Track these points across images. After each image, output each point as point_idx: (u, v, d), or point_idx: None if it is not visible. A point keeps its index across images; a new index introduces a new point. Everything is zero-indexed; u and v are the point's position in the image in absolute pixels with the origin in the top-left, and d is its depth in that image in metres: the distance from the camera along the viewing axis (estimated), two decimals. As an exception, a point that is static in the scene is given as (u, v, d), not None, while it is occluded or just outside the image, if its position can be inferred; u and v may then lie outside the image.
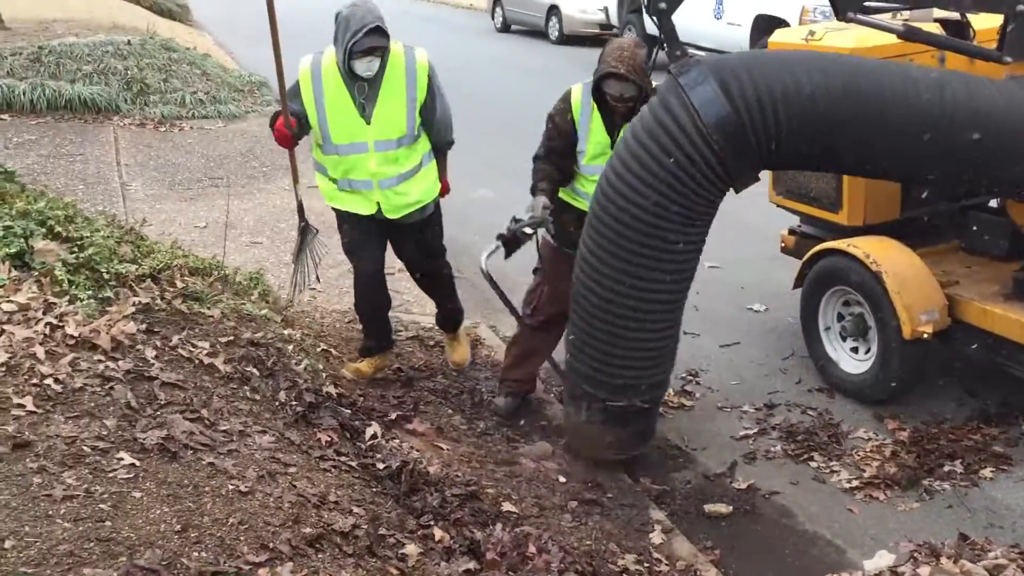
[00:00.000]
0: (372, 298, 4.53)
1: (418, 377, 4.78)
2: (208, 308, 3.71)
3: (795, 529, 3.93)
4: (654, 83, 3.96)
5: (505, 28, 20.25)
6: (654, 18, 3.85)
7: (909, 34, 4.11)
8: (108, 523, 2.38)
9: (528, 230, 3.97)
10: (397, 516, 3.09)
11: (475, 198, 7.74)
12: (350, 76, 4.11)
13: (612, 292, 3.75)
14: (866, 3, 4.31)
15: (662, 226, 3.64)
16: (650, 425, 4.26)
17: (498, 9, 20.45)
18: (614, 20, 16.35)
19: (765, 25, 12.39)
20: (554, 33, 18.17)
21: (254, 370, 3.48)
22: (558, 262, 4.27)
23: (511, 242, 4.00)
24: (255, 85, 11.77)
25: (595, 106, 4.05)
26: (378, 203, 4.30)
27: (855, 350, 4.84)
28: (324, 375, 3.98)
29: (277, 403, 3.41)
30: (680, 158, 3.55)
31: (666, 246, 3.68)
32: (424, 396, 4.54)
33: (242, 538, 2.47)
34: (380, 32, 4.03)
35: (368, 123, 4.17)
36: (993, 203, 4.87)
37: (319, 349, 4.52)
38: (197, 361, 3.31)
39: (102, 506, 2.43)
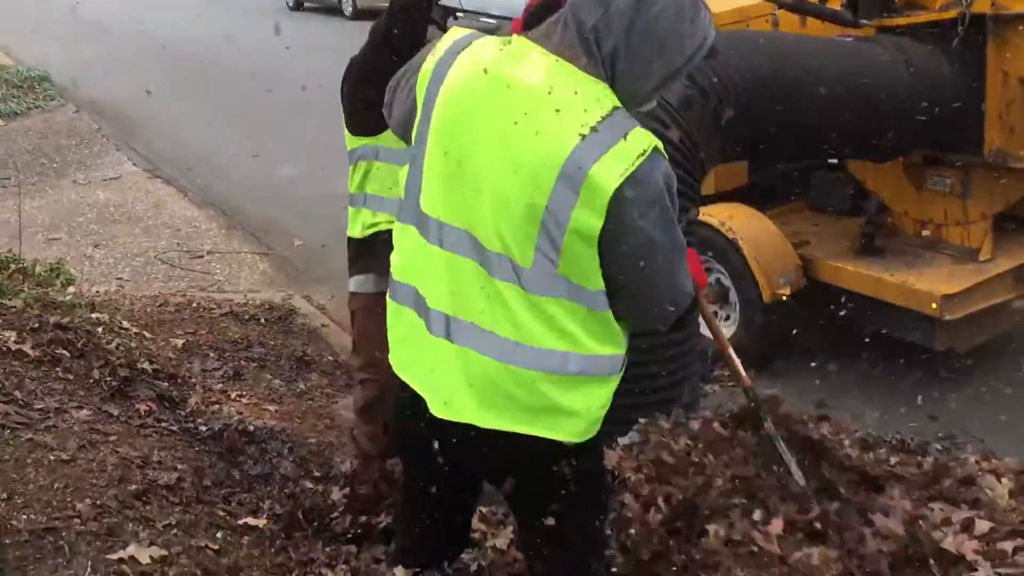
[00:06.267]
0: None
1: (234, 349, 4.91)
2: (9, 299, 3.74)
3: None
4: None
5: (298, 6, 20.04)
6: None
7: None
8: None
9: None
10: (222, 469, 3.28)
11: (278, 176, 7.89)
12: None
13: None
14: None
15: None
16: None
17: (289, -13, 20.22)
18: (406, -8, 16.45)
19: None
20: (348, 8, 18.15)
21: (64, 352, 3.55)
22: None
23: None
24: (35, 80, 11.29)
25: None
26: (432, 372, 1.94)
27: (724, 318, 4.76)
28: (137, 352, 4.07)
29: (91, 380, 3.50)
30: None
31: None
32: (243, 366, 4.69)
33: (70, 499, 2.62)
34: None
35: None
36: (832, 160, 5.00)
37: (132, 332, 4.57)
38: (4, 349, 3.36)
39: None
